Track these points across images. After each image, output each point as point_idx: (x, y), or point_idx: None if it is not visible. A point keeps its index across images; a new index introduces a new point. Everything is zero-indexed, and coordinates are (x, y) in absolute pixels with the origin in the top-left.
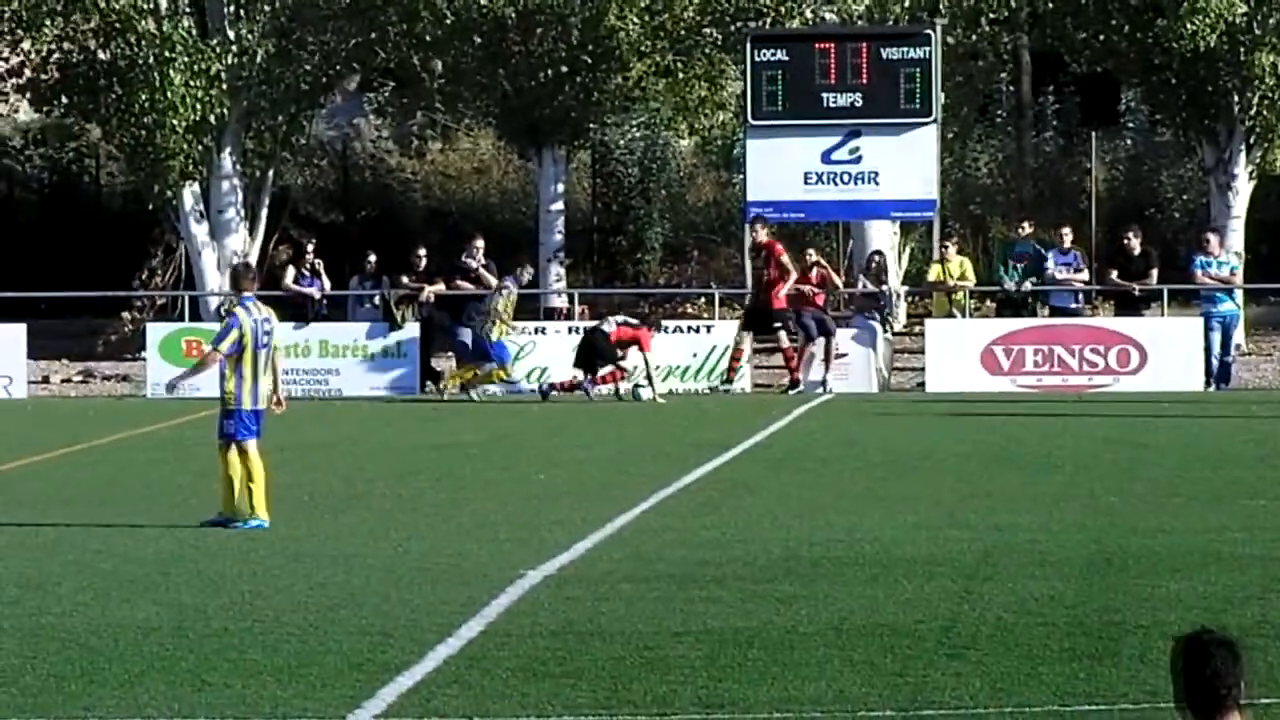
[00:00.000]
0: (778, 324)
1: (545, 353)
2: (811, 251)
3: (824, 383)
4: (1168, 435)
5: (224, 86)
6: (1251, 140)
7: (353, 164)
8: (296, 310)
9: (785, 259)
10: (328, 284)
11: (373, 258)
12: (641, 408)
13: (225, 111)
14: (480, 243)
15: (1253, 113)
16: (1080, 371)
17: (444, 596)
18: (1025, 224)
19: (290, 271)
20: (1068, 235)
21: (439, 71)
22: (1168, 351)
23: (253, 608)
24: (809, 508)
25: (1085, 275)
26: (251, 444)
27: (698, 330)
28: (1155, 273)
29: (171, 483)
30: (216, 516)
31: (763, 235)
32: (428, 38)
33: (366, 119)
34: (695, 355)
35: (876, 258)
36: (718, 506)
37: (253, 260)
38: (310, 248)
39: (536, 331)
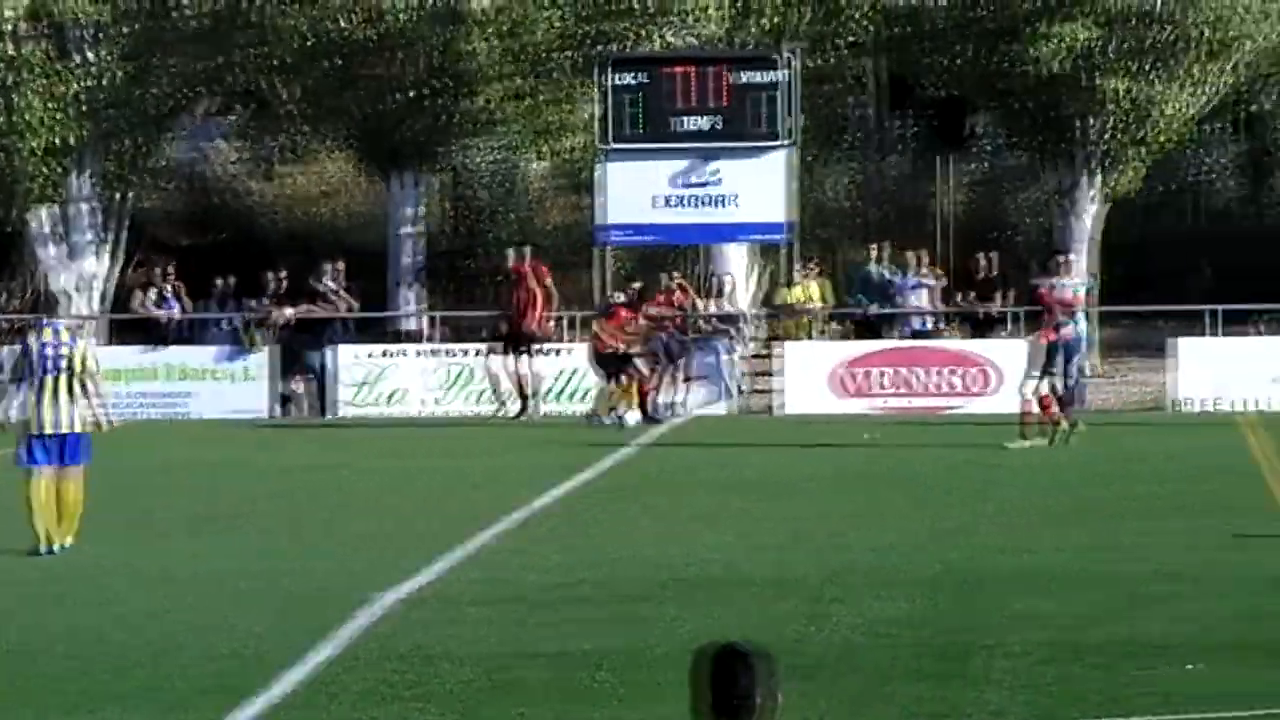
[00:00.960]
0: (534, 346)
1: (401, 376)
2: (674, 274)
3: (673, 405)
4: (1018, 456)
5: (80, 109)
6: (1099, 164)
7: (208, 187)
8: (154, 333)
9: (549, 283)
10: (188, 305)
11: (229, 280)
12: (501, 428)
13: (81, 135)
14: (338, 266)
15: (1101, 137)
16: (932, 394)
17: (294, 620)
18: (877, 247)
19: (151, 293)
20: (920, 258)
21: (293, 95)
22: (1018, 372)
23: (100, 633)
24: (660, 530)
25: (937, 298)
26: (48, 470)
27: (550, 353)
28: (1002, 296)
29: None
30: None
31: (516, 262)
32: (280, 61)
33: (222, 142)
34: (549, 377)
35: (726, 279)
36: (570, 530)
37: (111, 282)
38: (170, 271)
39: (391, 354)
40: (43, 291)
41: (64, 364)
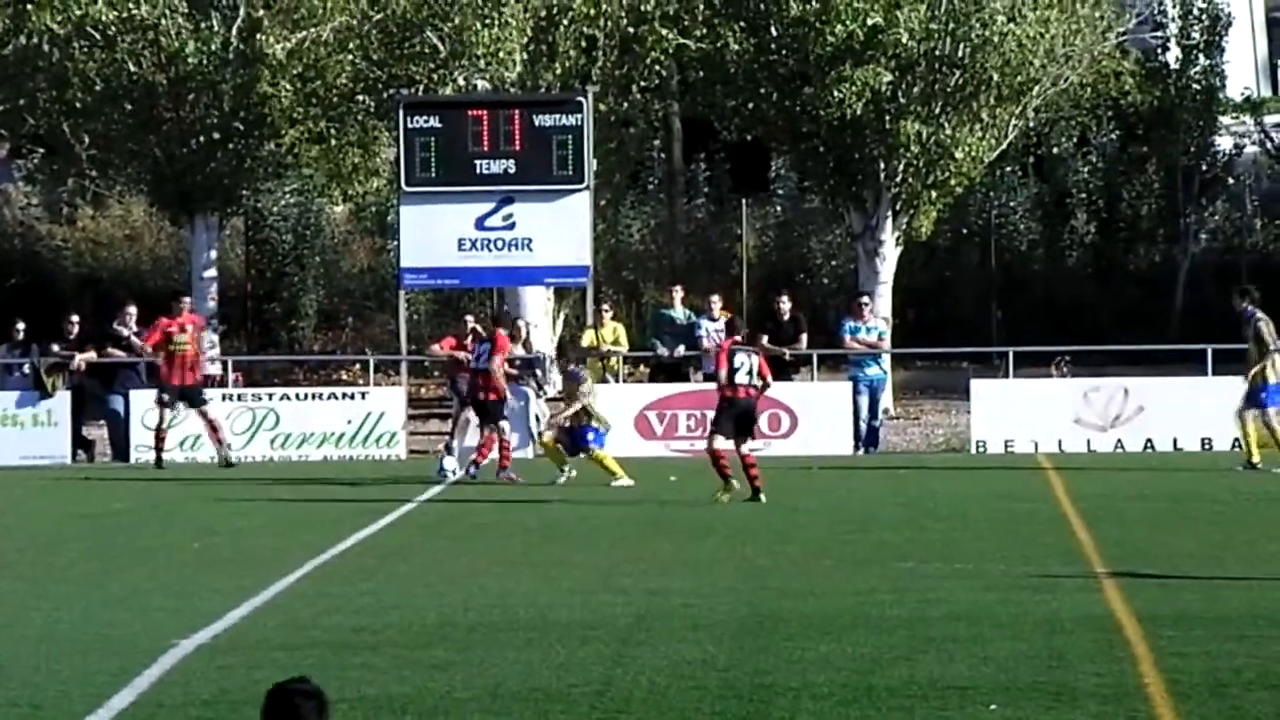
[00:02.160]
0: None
1: (197, 422)
2: (469, 318)
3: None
4: (818, 499)
5: None
6: (897, 207)
7: (3, 231)
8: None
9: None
10: None
11: (22, 325)
12: (296, 474)
13: None
14: (133, 310)
15: (898, 180)
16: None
17: (95, 667)
18: (677, 289)
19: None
20: (718, 302)
21: (90, 138)
22: (818, 415)
23: None
24: (464, 573)
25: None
26: None
27: (353, 397)
28: (805, 337)
29: None
30: None
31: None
32: (77, 104)
33: (15, 185)
34: (350, 422)
35: (523, 323)
36: (373, 573)
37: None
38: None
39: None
40: None
41: None
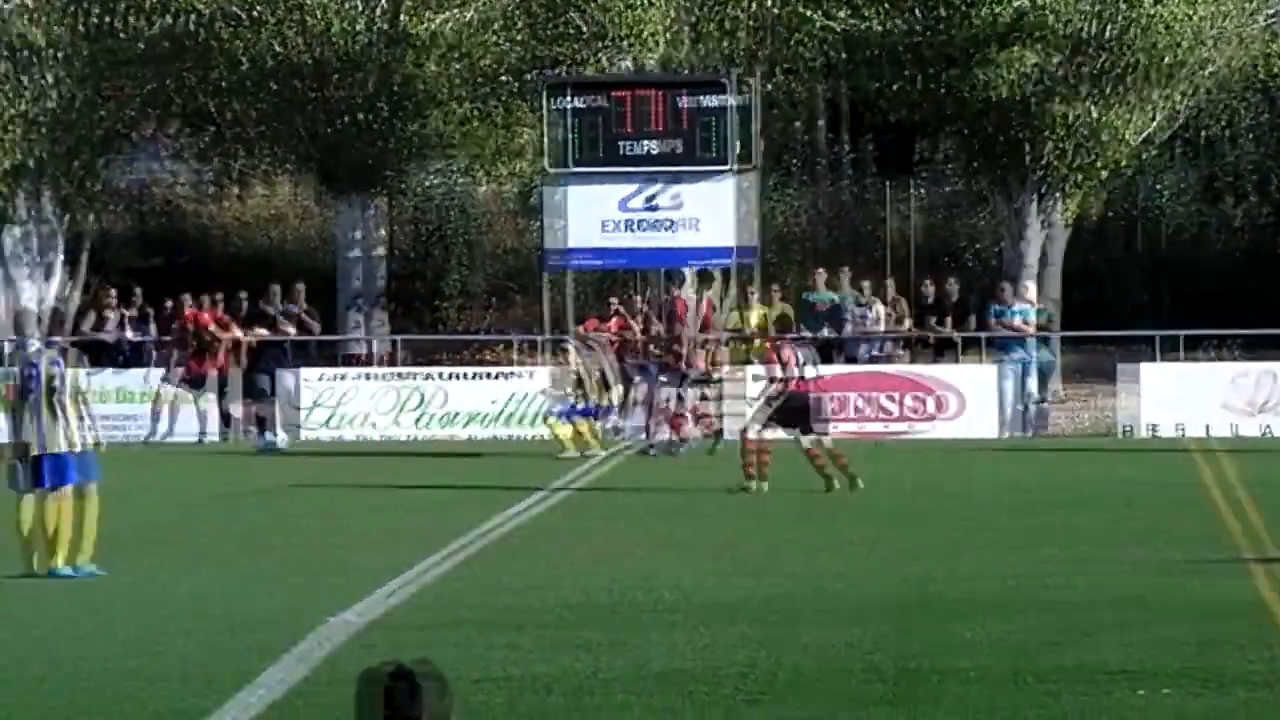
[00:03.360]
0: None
1: (351, 400)
2: (613, 299)
3: (620, 429)
4: (967, 482)
5: (18, 132)
6: (1044, 190)
7: (152, 210)
8: (104, 356)
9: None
10: (153, 330)
11: (169, 304)
12: (443, 453)
13: (20, 157)
14: (279, 288)
15: (1045, 163)
16: (878, 418)
17: (243, 643)
18: (821, 272)
19: (111, 317)
20: (866, 285)
21: (241, 118)
22: (967, 398)
23: (49, 654)
24: (609, 554)
25: (883, 323)
26: (33, 494)
27: (499, 377)
28: (951, 320)
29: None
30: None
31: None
32: (223, 84)
33: (162, 164)
34: (494, 402)
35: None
36: (519, 553)
37: (48, 305)
38: (135, 295)
39: (338, 378)
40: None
41: (62, 385)
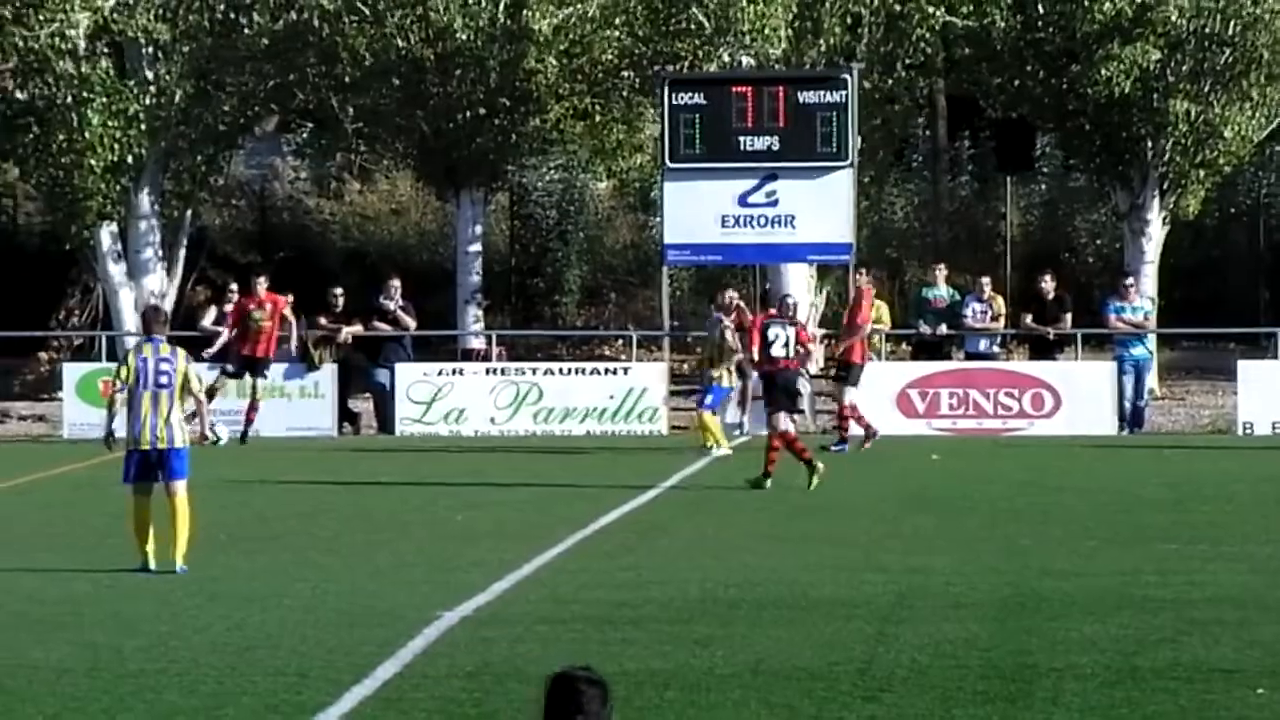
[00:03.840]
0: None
1: (462, 394)
2: (731, 293)
3: (740, 424)
4: (1082, 479)
5: (142, 127)
6: (1164, 186)
7: (271, 205)
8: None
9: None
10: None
11: (290, 298)
12: (558, 448)
13: (143, 152)
14: (397, 284)
15: (1166, 159)
16: (995, 415)
17: (360, 637)
18: (940, 268)
19: (211, 312)
20: (987, 283)
21: (358, 113)
22: (1082, 395)
23: (169, 649)
24: (724, 549)
25: (1000, 319)
26: (151, 487)
27: (615, 372)
28: (1069, 317)
29: (86, 524)
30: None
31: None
32: (346, 79)
33: (284, 159)
34: (612, 397)
35: (788, 300)
36: (633, 548)
37: (170, 300)
38: (234, 290)
39: (454, 373)
40: (102, 309)
41: (169, 380)
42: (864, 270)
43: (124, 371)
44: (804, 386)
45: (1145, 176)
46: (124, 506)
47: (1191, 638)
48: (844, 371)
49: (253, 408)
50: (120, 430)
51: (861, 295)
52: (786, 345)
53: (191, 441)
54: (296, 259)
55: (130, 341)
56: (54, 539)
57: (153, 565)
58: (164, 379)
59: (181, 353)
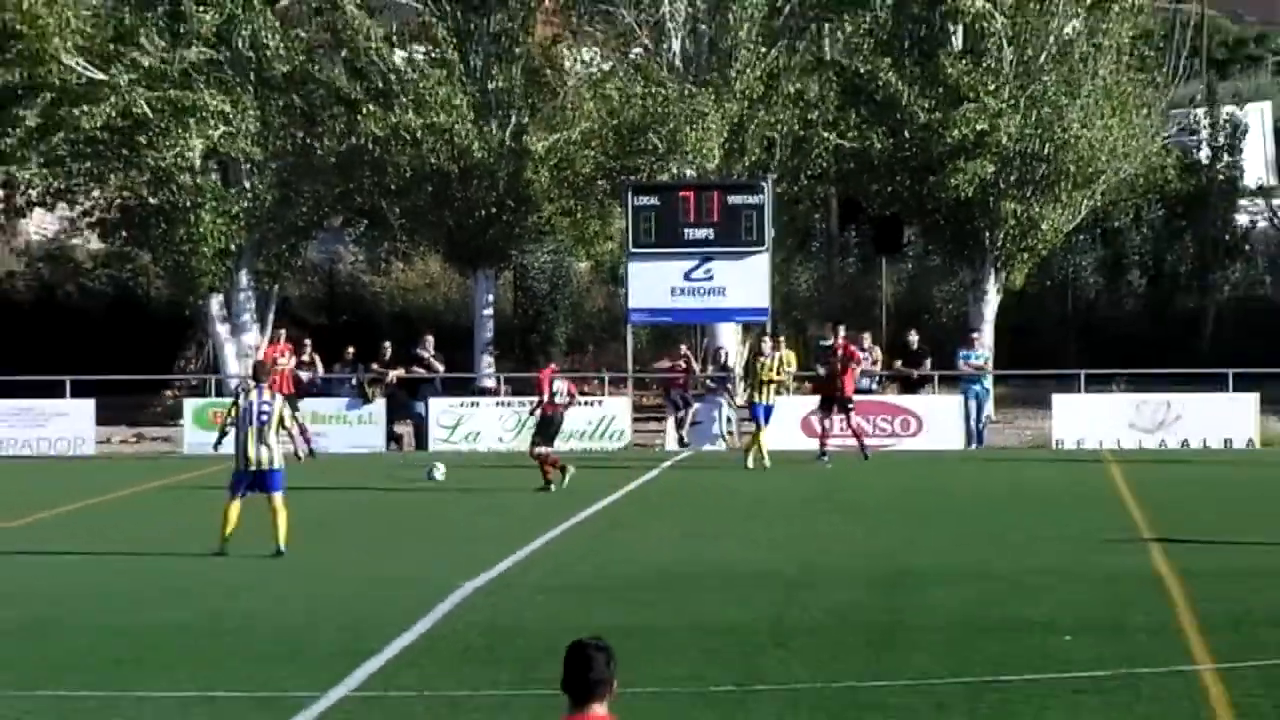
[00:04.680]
0: (850, 405)
1: (477, 421)
2: (681, 346)
3: (683, 442)
4: (939, 483)
5: (241, 223)
6: (998, 265)
7: (336, 280)
8: (298, 388)
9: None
10: (320, 369)
11: (351, 350)
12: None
13: (242, 242)
14: (430, 339)
15: (999, 245)
16: (874, 435)
17: (401, 600)
18: (832, 326)
19: (292, 360)
20: (867, 337)
21: (400, 213)
22: (938, 420)
23: (262, 610)
24: (674, 537)
25: (878, 364)
26: (236, 501)
27: (592, 404)
28: (929, 362)
29: (205, 518)
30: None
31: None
32: (392, 187)
33: (346, 247)
34: (590, 422)
35: (720, 351)
36: (605, 535)
37: (262, 352)
38: (308, 344)
39: (473, 405)
40: (212, 358)
41: (268, 417)
42: (841, 327)
43: (233, 410)
44: (731, 413)
45: (984, 258)
46: (243, 506)
47: (1018, 600)
48: (849, 403)
49: (302, 429)
50: (226, 448)
51: (847, 349)
52: (561, 395)
53: (296, 458)
54: (355, 321)
55: (233, 382)
56: (179, 530)
57: (227, 551)
58: (264, 416)
59: (279, 396)
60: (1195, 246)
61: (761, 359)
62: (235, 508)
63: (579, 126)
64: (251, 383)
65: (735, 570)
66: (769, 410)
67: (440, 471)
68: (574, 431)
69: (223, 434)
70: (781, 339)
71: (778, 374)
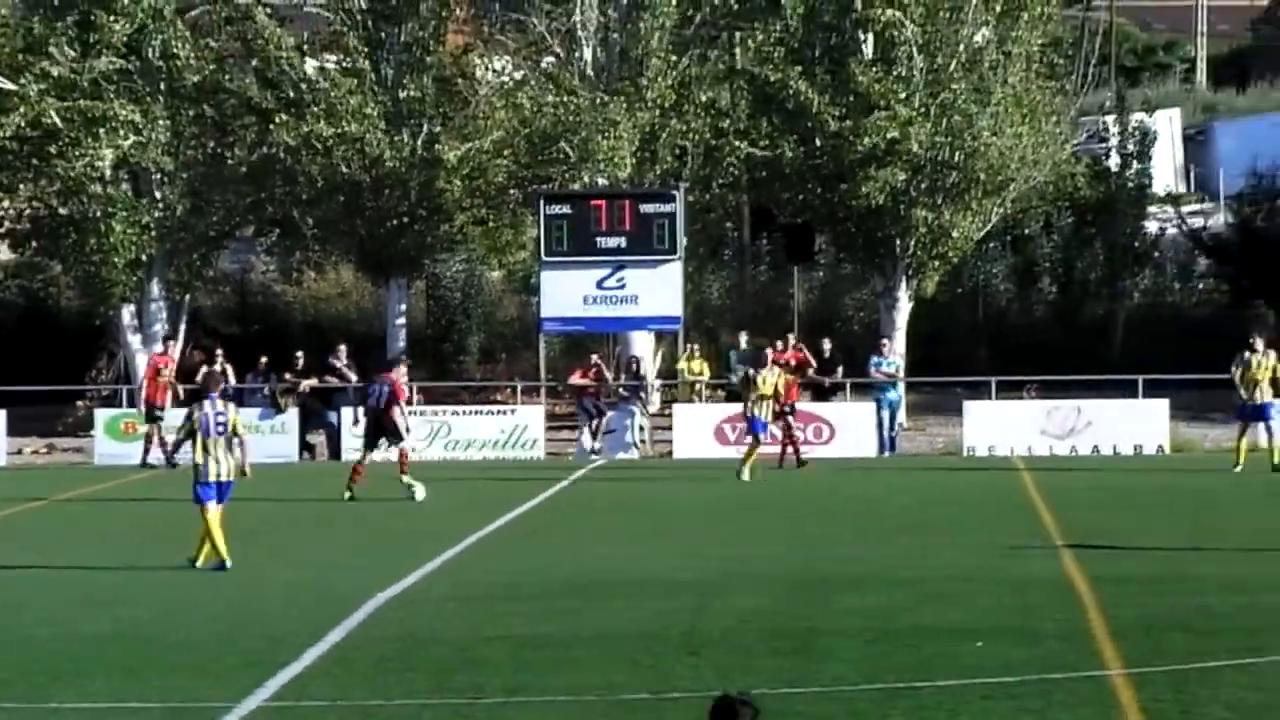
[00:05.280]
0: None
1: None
2: (594, 356)
3: (596, 451)
4: (852, 489)
5: (152, 233)
6: (909, 273)
7: (248, 290)
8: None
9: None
10: (232, 379)
11: (263, 359)
12: (462, 470)
13: (153, 252)
14: (343, 348)
15: (910, 253)
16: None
17: (316, 611)
18: (743, 334)
19: (203, 370)
20: (780, 345)
21: (313, 222)
22: (851, 427)
23: (178, 620)
24: (586, 545)
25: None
26: (211, 505)
27: (504, 413)
28: (841, 369)
29: (113, 528)
30: (215, 563)
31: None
32: (304, 196)
33: (258, 257)
34: (503, 431)
35: (634, 359)
36: (518, 544)
37: (174, 362)
38: (219, 353)
39: None
40: (124, 369)
41: (225, 429)
42: (792, 335)
43: (190, 424)
44: (644, 421)
45: (895, 265)
46: (140, 513)
47: (929, 606)
48: (792, 410)
49: (161, 441)
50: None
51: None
52: (380, 396)
53: (242, 473)
54: (268, 331)
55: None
56: (91, 540)
57: (229, 563)
58: (221, 427)
59: (232, 405)
60: (1105, 253)
61: (761, 374)
62: (214, 516)
63: (491, 135)
64: (206, 395)
65: (648, 578)
66: (765, 425)
67: (421, 492)
68: (487, 441)
69: (176, 448)
70: (695, 347)
71: (773, 389)
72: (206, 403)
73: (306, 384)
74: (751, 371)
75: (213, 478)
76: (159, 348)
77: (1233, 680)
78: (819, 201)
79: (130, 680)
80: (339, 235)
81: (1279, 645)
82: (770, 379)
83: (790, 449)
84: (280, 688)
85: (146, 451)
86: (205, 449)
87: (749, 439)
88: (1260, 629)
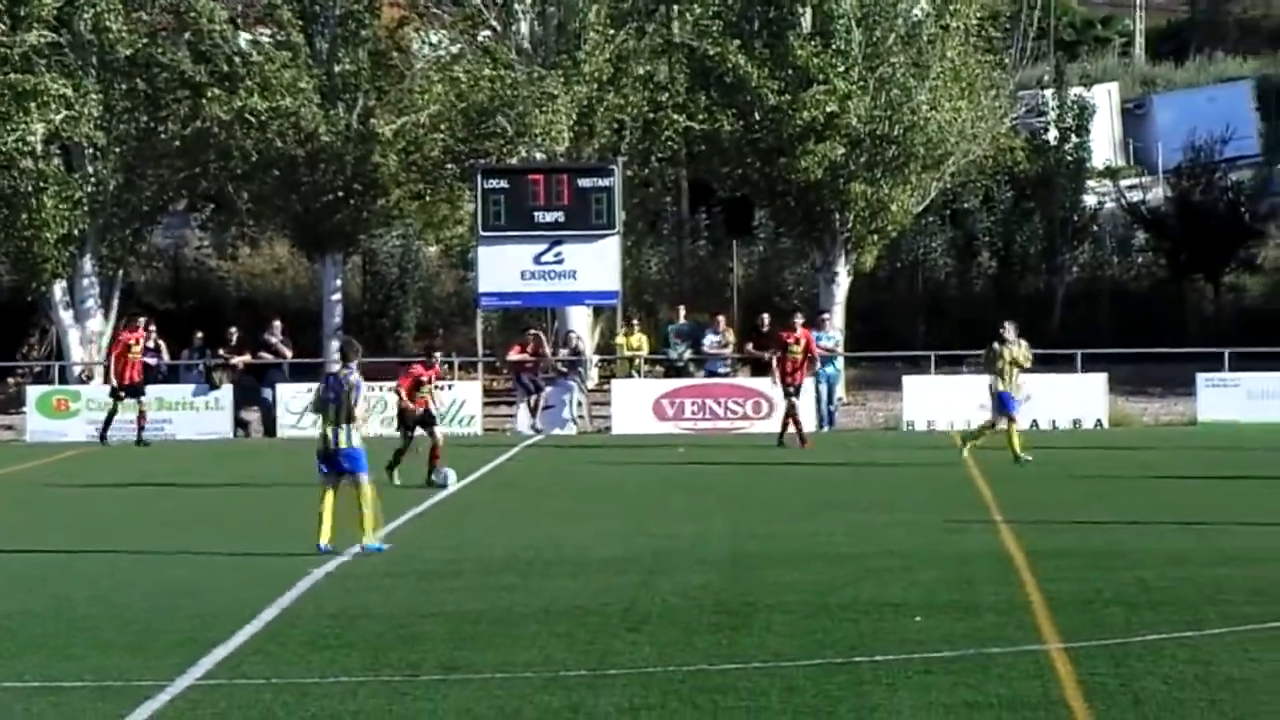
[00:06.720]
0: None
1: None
2: (531, 330)
3: (534, 427)
4: (790, 464)
5: (85, 209)
6: (848, 247)
7: (182, 266)
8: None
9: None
10: (165, 355)
11: (198, 335)
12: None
13: (86, 227)
14: (278, 324)
15: (849, 227)
16: (726, 418)
17: (250, 589)
18: (682, 309)
19: (138, 346)
20: (721, 320)
21: (248, 197)
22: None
23: (111, 598)
24: (525, 521)
25: (730, 346)
26: (363, 478)
27: (442, 389)
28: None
29: (49, 505)
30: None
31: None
32: (238, 171)
33: (192, 231)
34: (440, 407)
35: (571, 334)
36: (456, 520)
37: (106, 338)
38: (153, 329)
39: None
40: (55, 345)
41: (347, 398)
42: (799, 316)
43: (344, 395)
44: (582, 397)
45: (834, 240)
46: (72, 494)
47: (868, 581)
48: (798, 390)
49: (142, 415)
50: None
51: (803, 334)
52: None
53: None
54: (202, 306)
55: (76, 369)
56: (22, 518)
57: (372, 544)
58: (334, 394)
59: (353, 378)
60: (1044, 228)
61: (1003, 348)
62: (330, 496)
63: (427, 110)
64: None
65: (587, 554)
66: (1017, 403)
67: (452, 477)
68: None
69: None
70: (635, 322)
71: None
72: (341, 371)
73: (240, 360)
74: (997, 346)
75: (343, 444)
76: (95, 324)
77: (1171, 653)
78: (757, 176)
79: (61, 660)
80: (274, 210)
81: (1217, 618)
82: (1013, 351)
83: (794, 427)
84: (213, 665)
85: (141, 429)
86: (350, 419)
87: (1003, 422)
88: (1198, 602)
